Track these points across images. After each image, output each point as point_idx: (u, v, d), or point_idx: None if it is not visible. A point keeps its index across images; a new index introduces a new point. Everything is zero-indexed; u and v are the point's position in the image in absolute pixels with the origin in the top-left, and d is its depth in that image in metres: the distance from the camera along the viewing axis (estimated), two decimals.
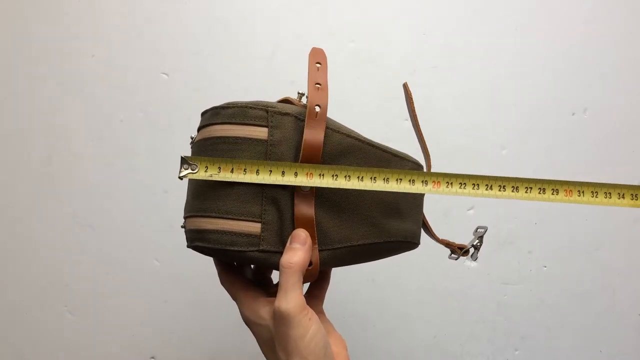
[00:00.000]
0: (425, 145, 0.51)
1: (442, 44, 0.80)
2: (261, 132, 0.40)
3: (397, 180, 0.42)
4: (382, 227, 0.45)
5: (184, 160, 0.40)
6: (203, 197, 0.41)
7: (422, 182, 0.44)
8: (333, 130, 0.42)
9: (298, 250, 0.39)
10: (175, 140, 0.79)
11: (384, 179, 0.42)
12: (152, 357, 0.78)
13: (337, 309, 0.77)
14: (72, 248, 0.78)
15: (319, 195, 0.42)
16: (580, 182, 0.40)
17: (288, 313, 0.38)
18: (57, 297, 0.78)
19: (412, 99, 0.47)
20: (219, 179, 0.40)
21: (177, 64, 0.79)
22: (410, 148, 0.81)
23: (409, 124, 0.81)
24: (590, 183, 0.40)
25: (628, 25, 0.81)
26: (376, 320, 0.78)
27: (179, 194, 0.78)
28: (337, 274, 0.78)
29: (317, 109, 0.41)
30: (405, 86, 0.48)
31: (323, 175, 0.40)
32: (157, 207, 0.78)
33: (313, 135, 0.40)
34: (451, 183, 0.44)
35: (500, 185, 0.42)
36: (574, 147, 0.80)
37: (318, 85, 0.42)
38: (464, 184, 0.44)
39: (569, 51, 0.80)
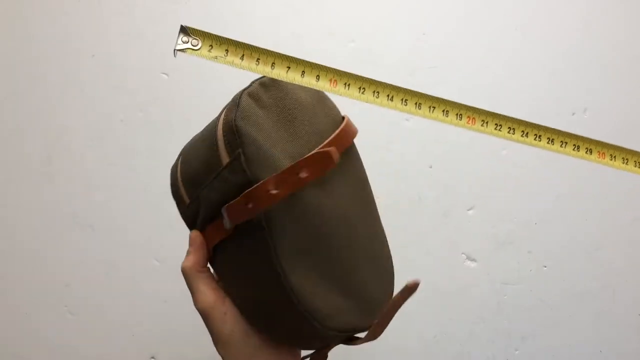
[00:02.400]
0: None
1: (441, 44, 0.80)
2: None
3: (429, 108, 0.37)
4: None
5: (184, 30, 0.33)
6: (190, 142, 0.44)
7: (457, 115, 0.38)
8: None
9: (190, 254, 0.41)
10: (175, 140, 0.79)
11: (415, 104, 0.36)
12: (152, 357, 0.78)
13: None
14: (72, 248, 0.78)
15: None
16: (613, 145, 0.39)
17: (201, 312, 0.41)
18: (57, 297, 0.78)
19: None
20: (225, 64, 0.34)
21: (177, 64, 0.79)
22: (410, 148, 0.81)
23: (409, 124, 0.81)
24: (623, 149, 0.39)
25: (628, 25, 0.81)
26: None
27: None
28: None
29: None
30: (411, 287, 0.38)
31: (349, 85, 0.35)
32: (157, 207, 0.78)
33: None
34: (487, 122, 0.39)
35: (536, 135, 0.39)
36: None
37: None
38: (500, 125, 0.39)
39: (569, 51, 0.80)
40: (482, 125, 0.38)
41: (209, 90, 0.79)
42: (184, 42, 0.33)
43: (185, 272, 0.41)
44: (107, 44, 0.79)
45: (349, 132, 0.42)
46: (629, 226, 0.79)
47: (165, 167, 0.79)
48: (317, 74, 0.35)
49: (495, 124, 0.38)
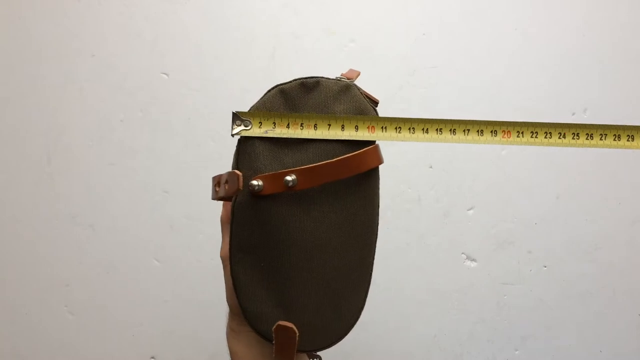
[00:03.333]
0: None
1: (442, 44, 0.80)
2: None
3: (464, 131, 0.39)
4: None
5: (236, 117, 0.38)
6: None
7: (492, 132, 0.40)
8: None
9: (224, 205, 0.44)
10: (175, 140, 0.79)
11: (450, 130, 0.39)
12: (152, 357, 0.78)
13: None
14: (72, 248, 0.78)
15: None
16: None
17: (221, 259, 0.43)
18: (57, 297, 0.78)
19: None
20: (275, 135, 0.38)
21: (177, 64, 0.79)
22: (410, 148, 0.81)
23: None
24: None
25: (628, 25, 0.81)
26: (376, 320, 0.78)
27: (179, 194, 0.78)
28: None
29: None
30: None
31: (385, 128, 0.39)
32: (157, 207, 0.78)
33: None
34: (522, 132, 0.40)
35: (573, 133, 0.40)
36: (573, 147, 0.80)
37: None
38: (536, 132, 0.40)
39: (569, 51, 0.80)
40: (518, 136, 0.40)
41: (209, 90, 0.79)
42: (237, 126, 0.38)
43: (220, 222, 0.45)
44: (107, 44, 0.79)
45: (364, 160, 0.40)
46: (629, 226, 0.79)
47: (166, 167, 0.79)
48: (355, 124, 0.39)
49: (531, 132, 0.40)
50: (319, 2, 0.80)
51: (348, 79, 0.43)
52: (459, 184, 0.78)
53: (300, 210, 0.39)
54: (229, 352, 0.44)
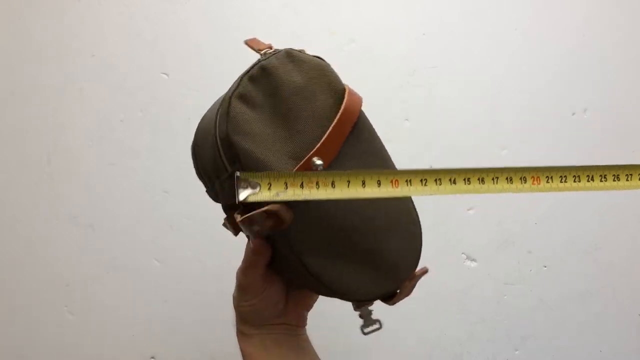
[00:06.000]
0: None
1: (442, 44, 0.80)
2: None
3: (493, 179, 0.40)
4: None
5: (241, 180, 0.33)
6: (200, 131, 0.45)
7: (521, 179, 0.41)
8: None
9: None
10: (175, 140, 0.79)
11: (478, 179, 0.38)
12: (152, 357, 0.78)
13: (337, 309, 0.77)
14: (72, 248, 0.78)
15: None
16: None
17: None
18: (57, 297, 0.78)
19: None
20: (288, 199, 0.34)
21: (177, 64, 0.79)
22: (410, 148, 0.81)
23: (410, 124, 0.81)
24: None
25: (628, 25, 0.81)
26: None
27: (179, 194, 0.78)
28: None
29: None
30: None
31: (410, 181, 0.36)
32: (157, 207, 0.78)
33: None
34: (551, 177, 0.41)
35: (601, 175, 0.39)
36: (574, 147, 0.80)
37: None
38: (565, 176, 0.41)
39: (569, 51, 0.80)
40: (547, 182, 0.41)
41: (209, 90, 0.79)
42: (243, 189, 0.33)
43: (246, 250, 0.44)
44: (107, 44, 0.79)
45: (352, 108, 0.41)
46: (629, 226, 0.79)
47: (166, 167, 0.79)
48: (377, 179, 0.35)
49: (560, 176, 0.41)
50: (319, 2, 0.80)
51: (259, 50, 0.42)
52: None
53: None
54: (241, 354, 0.45)
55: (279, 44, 0.79)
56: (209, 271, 0.76)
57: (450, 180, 0.38)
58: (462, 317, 0.78)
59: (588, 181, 0.39)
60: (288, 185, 0.34)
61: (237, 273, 0.44)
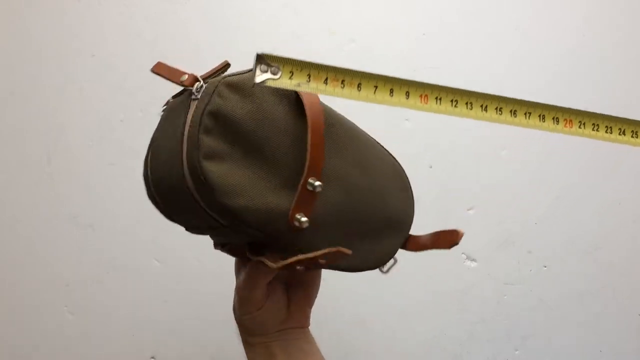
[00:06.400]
0: None
1: (442, 44, 0.80)
2: None
3: (525, 114, 0.36)
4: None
5: (261, 59, 0.30)
6: (155, 159, 0.44)
7: (553, 119, 0.38)
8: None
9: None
10: None
11: (510, 112, 0.35)
12: (152, 357, 0.78)
13: (337, 309, 0.77)
14: (72, 248, 0.78)
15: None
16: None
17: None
18: (57, 297, 0.78)
19: None
20: (310, 91, 0.31)
21: (177, 64, 0.79)
22: (410, 148, 0.81)
23: (410, 124, 0.81)
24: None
25: (628, 25, 0.81)
26: (376, 320, 0.78)
27: None
28: (336, 272, 0.78)
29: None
30: None
31: (440, 99, 0.33)
32: None
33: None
34: (584, 123, 0.39)
35: (632, 131, 0.37)
36: (574, 147, 0.80)
37: None
38: (597, 125, 0.39)
39: (569, 51, 0.80)
40: (579, 127, 0.39)
41: None
42: (262, 72, 0.30)
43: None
44: (107, 44, 0.79)
45: (315, 111, 0.38)
46: (629, 226, 0.79)
47: None
48: (407, 90, 0.33)
49: (593, 124, 0.39)
50: (319, 2, 0.80)
51: (180, 82, 0.39)
52: (459, 184, 0.78)
53: (341, 190, 0.41)
54: None
55: (279, 44, 0.80)
56: (209, 271, 0.76)
57: (482, 107, 0.34)
58: (462, 317, 0.78)
59: (619, 134, 0.38)
60: (311, 77, 0.31)
61: (237, 287, 0.44)
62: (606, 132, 0.37)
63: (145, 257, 0.78)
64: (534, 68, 0.80)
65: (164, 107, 0.41)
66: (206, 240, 0.81)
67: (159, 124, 0.43)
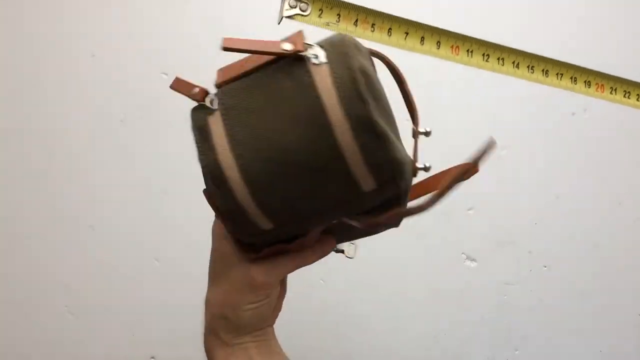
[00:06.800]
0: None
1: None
2: None
3: (557, 75, 0.34)
4: None
5: None
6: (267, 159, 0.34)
7: (585, 82, 0.35)
8: None
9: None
10: (175, 140, 0.79)
11: (542, 71, 0.33)
12: (152, 357, 0.78)
13: (337, 309, 0.77)
14: (72, 248, 0.78)
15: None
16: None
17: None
18: (57, 297, 0.78)
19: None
20: (339, 31, 0.29)
21: (177, 64, 0.79)
22: (408, 148, 0.81)
23: (409, 123, 0.81)
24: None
25: (628, 25, 0.81)
26: (376, 320, 0.78)
27: (179, 194, 0.78)
28: (336, 272, 0.78)
29: None
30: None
31: (472, 52, 0.32)
32: (157, 207, 0.78)
33: None
34: (615, 89, 0.36)
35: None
36: (574, 147, 0.80)
37: None
38: (629, 92, 0.36)
39: (569, 51, 0.80)
40: (610, 93, 0.36)
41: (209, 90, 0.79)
42: (291, 7, 0.30)
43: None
44: (107, 44, 0.79)
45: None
46: (629, 226, 0.79)
47: (166, 167, 0.79)
48: (438, 39, 0.31)
49: (624, 92, 0.37)
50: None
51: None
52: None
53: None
54: None
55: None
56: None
57: (513, 63, 0.33)
58: (462, 317, 0.78)
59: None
60: (341, 17, 0.30)
61: (253, 273, 0.38)
62: (637, 99, 0.35)
63: (145, 257, 0.78)
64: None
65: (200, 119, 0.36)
66: (206, 240, 0.81)
67: (234, 111, 0.35)
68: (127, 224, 0.78)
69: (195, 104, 0.37)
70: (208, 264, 0.46)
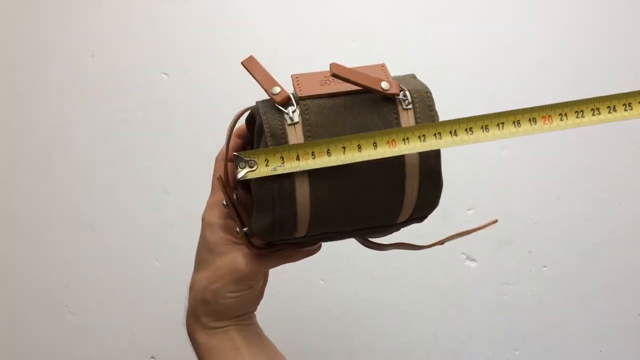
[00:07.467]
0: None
1: (442, 44, 0.80)
2: None
3: (498, 125, 0.40)
4: None
5: (239, 159, 0.33)
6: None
7: (530, 120, 0.40)
8: None
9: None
10: (175, 140, 0.79)
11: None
12: (152, 357, 0.78)
13: (337, 309, 0.77)
14: (72, 248, 0.78)
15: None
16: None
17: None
18: (57, 297, 0.78)
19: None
20: (286, 171, 0.33)
21: (177, 64, 0.79)
22: None
23: None
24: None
25: (628, 25, 0.81)
26: (376, 320, 0.78)
27: (179, 194, 0.78)
28: (336, 272, 0.78)
29: None
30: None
31: (408, 139, 0.36)
32: (157, 207, 0.78)
33: None
34: (565, 114, 0.39)
35: (609, 106, 0.37)
36: (573, 147, 0.80)
37: None
38: (581, 112, 0.38)
39: (569, 51, 0.80)
40: (561, 119, 0.39)
41: (209, 90, 0.79)
42: (241, 169, 0.33)
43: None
44: (107, 44, 0.79)
45: None
46: (629, 226, 0.79)
47: (166, 167, 0.79)
48: (373, 141, 0.35)
49: (576, 112, 0.39)
50: (319, 2, 0.80)
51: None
52: (459, 184, 0.78)
53: None
54: (195, 348, 0.42)
55: (279, 44, 0.80)
56: None
57: (466, 130, 0.40)
58: (462, 317, 0.78)
59: (609, 112, 0.37)
60: (284, 158, 0.33)
61: (240, 265, 0.39)
62: (609, 112, 0.37)
63: (145, 257, 0.78)
64: (533, 68, 0.80)
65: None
66: None
67: (318, 130, 0.36)
68: (127, 224, 0.78)
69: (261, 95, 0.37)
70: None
